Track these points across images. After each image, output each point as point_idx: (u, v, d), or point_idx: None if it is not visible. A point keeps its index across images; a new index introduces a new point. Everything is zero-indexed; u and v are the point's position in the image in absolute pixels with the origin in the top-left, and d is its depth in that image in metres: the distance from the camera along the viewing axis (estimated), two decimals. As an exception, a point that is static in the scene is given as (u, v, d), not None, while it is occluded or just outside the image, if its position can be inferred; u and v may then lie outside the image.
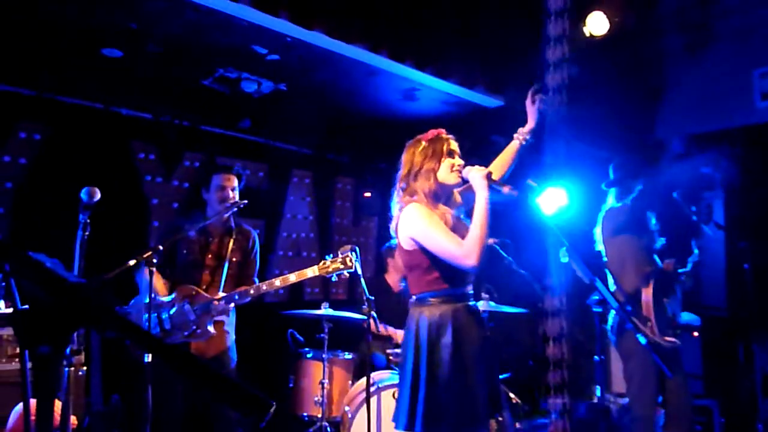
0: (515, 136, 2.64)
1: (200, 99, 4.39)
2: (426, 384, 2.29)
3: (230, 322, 3.35)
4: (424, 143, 2.46)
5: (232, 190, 3.28)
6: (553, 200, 3.99)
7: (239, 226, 3.41)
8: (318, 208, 5.55)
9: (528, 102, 2.66)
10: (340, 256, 3.11)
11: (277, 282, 3.12)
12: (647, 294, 3.21)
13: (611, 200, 3.64)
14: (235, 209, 3.18)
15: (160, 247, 2.75)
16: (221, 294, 3.16)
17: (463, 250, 2.25)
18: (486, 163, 2.79)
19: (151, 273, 2.65)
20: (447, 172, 2.43)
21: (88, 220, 2.22)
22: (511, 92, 4.60)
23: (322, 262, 3.13)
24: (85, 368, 3.11)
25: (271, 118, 4.86)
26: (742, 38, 4.41)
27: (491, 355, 2.43)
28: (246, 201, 3.18)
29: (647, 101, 4.87)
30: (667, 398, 3.31)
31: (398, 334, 4.56)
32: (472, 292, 2.48)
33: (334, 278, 3.12)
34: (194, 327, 3.11)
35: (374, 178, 5.79)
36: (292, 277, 3.12)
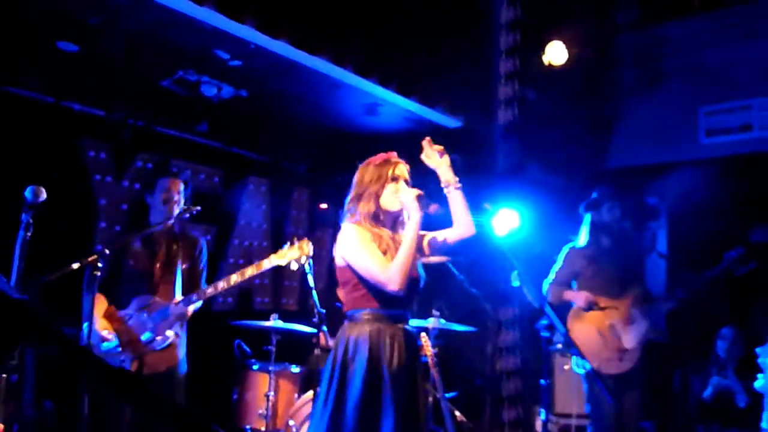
0: (445, 191, 2.51)
1: (157, 99, 4.28)
2: (334, 401, 2.27)
3: (182, 335, 3.26)
4: (371, 166, 2.48)
5: (178, 193, 3.23)
6: (505, 222, 4.07)
7: (184, 233, 3.34)
8: (272, 216, 5.48)
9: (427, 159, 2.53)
10: (296, 242, 3.04)
11: (234, 277, 3.03)
12: (570, 321, 3.34)
13: (583, 228, 3.71)
14: (188, 216, 3.12)
15: (107, 251, 2.65)
16: (178, 297, 3.11)
17: (387, 275, 2.27)
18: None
19: (94, 278, 2.55)
20: (390, 197, 2.43)
21: (31, 220, 2.12)
22: (471, 114, 4.69)
23: (279, 250, 3.05)
24: (16, 373, 2.96)
25: (229, 123, 4.78)
26: (691, 77, 4.62)
27: (413, 380, 2.38)
28: (199, 207, 3.12)
29: (600, 131, 5.04)
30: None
31: None
32: (405, 313, 2.45)
33: (294, 266, 3.01)
34: (153, 335, 3.03)
35: (331, 190, 5.76)
36: (250, 271, 3.03)
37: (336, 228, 6.21)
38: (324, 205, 5.81)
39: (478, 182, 4.87)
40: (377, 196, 2.43)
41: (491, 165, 4.52)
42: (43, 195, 2.18)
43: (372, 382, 2.26)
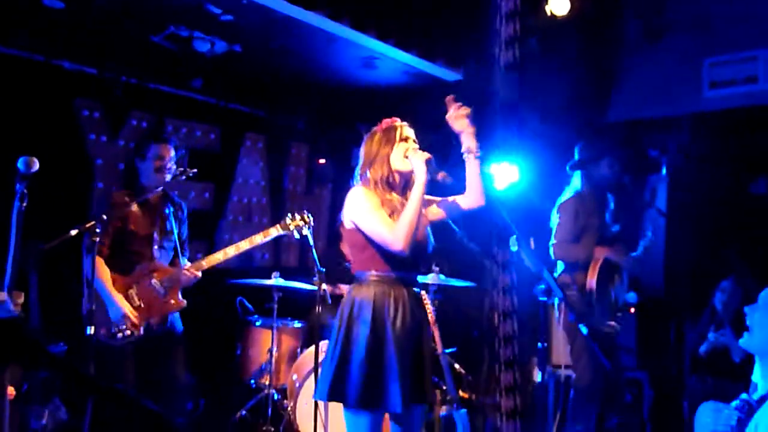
0: (464, 156, 2.51)
1: (149, 56, 4.18)
2: (338, 359, 2.33)
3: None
4: (378, 133, 2.50)
5: (170, 159, 3.25)
6: (504, 176, 4.04)
7: (171, 198, 3.39)
8: (270, 173, 5.45)
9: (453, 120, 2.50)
10: (297, 214, 3.34)
11: (244, 244, 3.25)
12: (591, 279, 3.32)
13: (576, 182, 3.69)
14: (184, 178, 3.13)
15: (104, 217, 2.66)
16: (187, 264, 3.19)
17: (392, 234, 2.31)
18: (442, 132, 2.75)
19: (93, 244, 2.56)
20: (400, 157, 2.45)
21: (26, 190, 2.11)
22: (470, 67, 4.59)
23: (283, 220, 3.34)
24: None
25: (224, 79, 4.69)
26: (696, 28, 4.49)
27: (420, 342, 2.43)
28: (195, 170, 3.17)
29: (602, 83, 4.94)
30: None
31: (344, 288, 4.59)
32: (412, 276, 2.49)
33: (297, 235, 3.32)
34: (167, 301, 3.14)
35: (329, 145, 5.71)
36: (258, 238, 3.27)
37: (335, 183, 6.21)
38: (322, 161, 5.77)
39: (477, 135, 4.82)
40: (388, 158, 2.45)
41: (491, 118, 4.46)
42: (36, 165, 2.16)
43: (375, 341, 2.32)
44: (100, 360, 2.61)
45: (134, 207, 3.15)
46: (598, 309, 3.26)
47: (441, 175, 2.38)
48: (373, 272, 2.41)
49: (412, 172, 2.47)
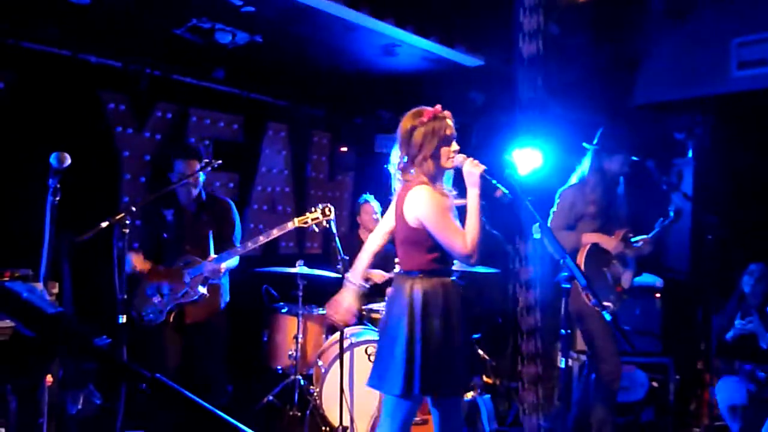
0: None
1: (173, 48, 4.24)
2: (422, 351, 2.39)
3: (224, 285, 3.54)
4: (423, 125, 2.44)
5: (195, 175, 3.38)
6: (527, 161, 4.02)
7: (212, 198, 3.54)
8: (293, 162, 5.50)
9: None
10: (319, 207, 3.35)
11: (261, 237, 3.34)
12: (579, 264, 3.34)
13: (586, 165, 3.66)
14: (209, 169, 3.20)
15: (133, 208, 2.72)
16: (212, 255, 3.33)
17: (468, 250, 2.38)
18: (463, 117, 2.73)
19: (123, 235, 2.62)
20: (445, 158, 2.47)
21: (58, 185, 2.17)
22: (491, 53, 4.55)
23: (302, 215, 3.38)
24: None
25: (246, 69, 4.74)
26: (723, 6, 4.37)
27: (468, 322, 2.57)
28: (220, 161, 3.23)
29: (626, 66, 4.86)
30: None
31: (373, 273, 4.59)
32: (452, 267, 2.62)
33: (315, 228, 3.34)
34: (187, 289, 3.30)
35: (351, 133, 5.73)
36: (275, 231, 3.34)
37: (357, 171, 6.20)
38: (344, 148, 5.80)
39: (500, 120, 4.78)
40: (433, 158, 2.44)
41: (513, 103, 4.43)
42: (68, 161, 2.22)
43: (447, 328, 2.43)
44: (145, 343, 2.74)
45: (169, 217, 3.39)
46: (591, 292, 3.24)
47: (499, 192, 2.38)
48: (433, 270, 2.47)
49: (455, 168, 2.50)
